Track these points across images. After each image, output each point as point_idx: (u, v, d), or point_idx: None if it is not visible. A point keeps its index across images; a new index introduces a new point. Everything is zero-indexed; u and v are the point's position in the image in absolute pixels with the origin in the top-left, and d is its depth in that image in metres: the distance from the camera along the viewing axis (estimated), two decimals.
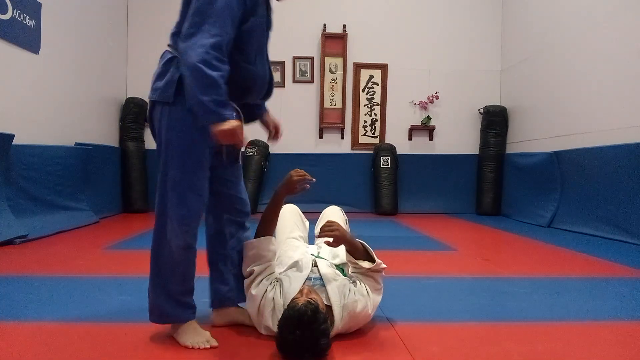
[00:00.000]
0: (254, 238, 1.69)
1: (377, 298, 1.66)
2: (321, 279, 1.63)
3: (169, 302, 1.54)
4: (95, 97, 5.21)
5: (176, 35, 1.47)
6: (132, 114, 5.77)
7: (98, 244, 3.45)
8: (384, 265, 1.68)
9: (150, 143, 5.94)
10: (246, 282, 1.64)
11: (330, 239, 1.62)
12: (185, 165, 1.46)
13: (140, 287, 2.28)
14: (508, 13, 6.18)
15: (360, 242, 1.70)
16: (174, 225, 1.47)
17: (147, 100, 6.05)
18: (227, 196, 1.68)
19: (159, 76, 1.48)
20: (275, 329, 1.50)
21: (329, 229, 1.62)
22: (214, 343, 1.51)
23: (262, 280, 1.61)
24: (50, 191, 4.01)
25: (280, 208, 1.78)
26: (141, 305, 1.98)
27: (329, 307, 1.54)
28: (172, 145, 1.46)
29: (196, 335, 1.53)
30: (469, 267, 2.95)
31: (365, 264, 1.64)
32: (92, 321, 1.75)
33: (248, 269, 1.64)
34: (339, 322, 1.53)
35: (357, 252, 1.66)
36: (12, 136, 3.44)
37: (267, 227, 1.72)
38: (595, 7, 4.44)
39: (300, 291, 1.53)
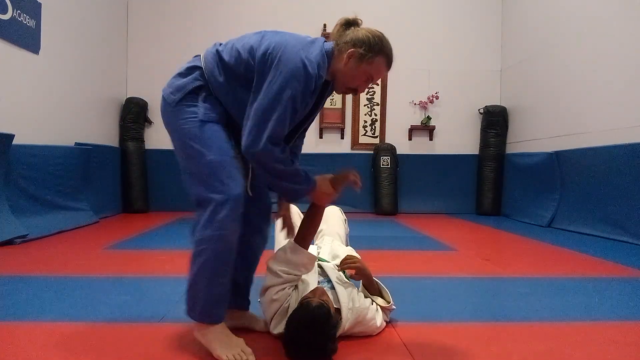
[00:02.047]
0: (297, 238, 1.59)
1: (380, 327, 1.66)
2: (329, 281, 1.62)
3: (212, 298, 1.41)
4: (95, 97, 5.21)
5: (229, 69, 1.45)
6: (132, 114, 5.77)
7: (98, 244, 3.44)
8: (394, 307, 1.72)
9: (150, 143, 5.95)
10: (270, 281, 1.54)
11: (353, 271, 1.67)
12: (223, 148, 1.42)
13: (140, 287, 2.29)
14: (508, 13, 6.18)
15: (376, 281, 1.73)
16: (225, 211, 1.35)
17: (146, 102, 5.88)
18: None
19: (178, 75, 1.50)
20: (275, 330, 1.50)
21: (351, 261, 1.68)
22: (252, 358, 1.39)
23: (285, 288, 1.54)
24: (50, 191, 4.01)
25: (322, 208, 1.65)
26: (141, 305, 1.98)
27: (337, 309, 1.53)
28: (194, 137, 1.41)
29: (231, 345, 1.41)
30: (469, 267, 2.95)
31: (380, 301, 1.67)
32: (92, 321, 1.75)
33: (279, 271, 1.53)
34: (345, 323, 1.53)
35: (372, 287, 1.71)
36: (12, 136, 3.44)
37: (310, 231, 1.62)
38: (595, 7, 4.44)
39: (313, 291, 1.51)
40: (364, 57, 1.45)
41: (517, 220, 5.39)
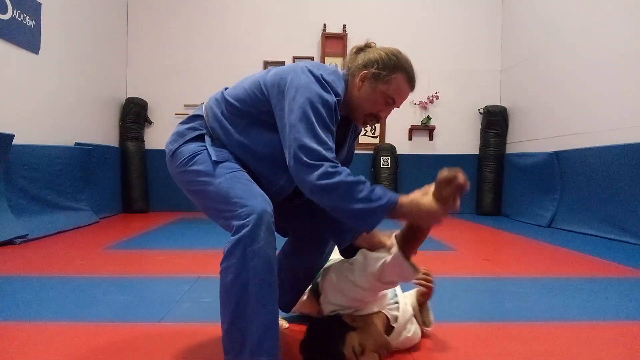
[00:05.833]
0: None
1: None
2: (396, 295, 1.59)
3: (263, 331, 1.16)
4: (95, 97, 5.21)
5: (235, 113, 1.34)
6: (132, 114, 5.77)
7: (98, 244, 3.45)
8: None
9: (150, 143, 5.95)
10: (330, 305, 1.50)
11: (425, 290, 1.63)
12: (227, 166, 1.30)
13: (140, 287, 2.29)
14: (508, 13, 6.18)
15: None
16: (250, 225, 1.15)
17: (146, 102, 5.85)
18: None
19: (180, 124, 1.43)
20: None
21: (426, 279, 1.61)
22: None
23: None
24: (50, 191, 4.01)
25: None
26: (141, 305, 1.98)
27: (390, 326, 1.50)
28: (197, 172, 1.30)
29: None
30: (469, 267, 2.95)
31: (428, 321, 1.62)
32: (92, 321, 1.75)
33: (336, 306, 1.48)
34: (395, 341, 1.48)
35: (424, 305, 1.65)
36: (12, 136, 3.44)
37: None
38: (595, 8, 4.44)
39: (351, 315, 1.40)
40: (378, 76, 1.30)
41: (517, 220, 5.39)
